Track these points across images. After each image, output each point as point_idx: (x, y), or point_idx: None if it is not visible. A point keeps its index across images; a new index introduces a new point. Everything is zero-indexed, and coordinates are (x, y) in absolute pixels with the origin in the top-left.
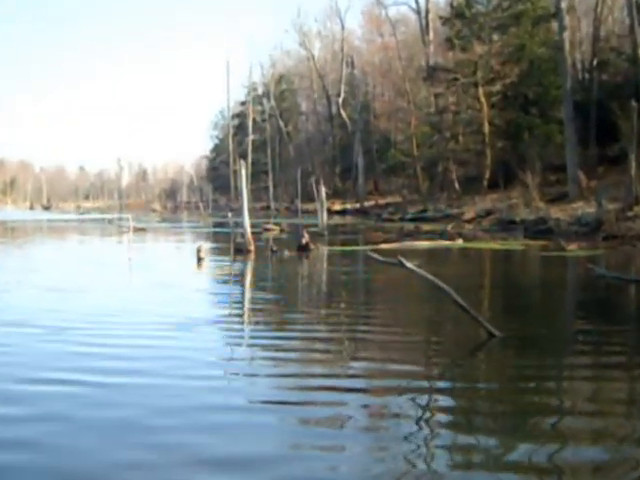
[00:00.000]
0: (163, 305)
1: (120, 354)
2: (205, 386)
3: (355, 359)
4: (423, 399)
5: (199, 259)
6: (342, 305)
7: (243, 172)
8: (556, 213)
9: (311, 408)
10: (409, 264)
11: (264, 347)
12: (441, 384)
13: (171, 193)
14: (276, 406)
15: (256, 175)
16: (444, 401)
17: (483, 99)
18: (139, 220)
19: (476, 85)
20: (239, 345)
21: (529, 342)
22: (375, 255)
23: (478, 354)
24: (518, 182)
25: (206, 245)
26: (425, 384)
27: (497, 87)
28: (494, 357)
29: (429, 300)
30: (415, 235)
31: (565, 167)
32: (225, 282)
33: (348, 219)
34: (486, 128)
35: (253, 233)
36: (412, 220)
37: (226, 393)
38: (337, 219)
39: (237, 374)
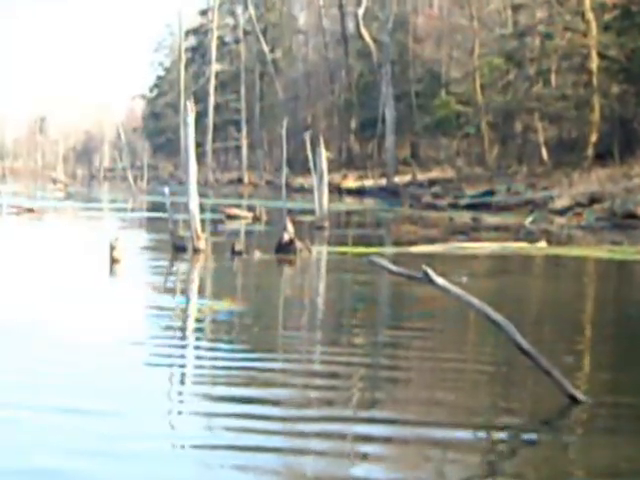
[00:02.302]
0: (68, 322)
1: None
2: (139, 425)
3: (374, 401)
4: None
5: (113, 261)
6: (353, 330)
7: (190, 121)
8: None
9: (305, 458)
10: (440, 279)
11: (227, 379)
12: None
13: (84, 154)
14: (250, 454)
15: (222, 129)
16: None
17: (590, 15)
18: (29, 196)
19: None
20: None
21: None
22: (380, 261)
23: (549, 421)
24: None
25: (129, 239)
26: (461, 441)
27: None
28: (569, 429)
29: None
30: (473, 233)
31: None
32: (157, 294)
33: (367, 203)
34: (594, 63)
35: (212, 221)
36: (470, 207)
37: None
38: (350, 202)
39: (181, 412)
